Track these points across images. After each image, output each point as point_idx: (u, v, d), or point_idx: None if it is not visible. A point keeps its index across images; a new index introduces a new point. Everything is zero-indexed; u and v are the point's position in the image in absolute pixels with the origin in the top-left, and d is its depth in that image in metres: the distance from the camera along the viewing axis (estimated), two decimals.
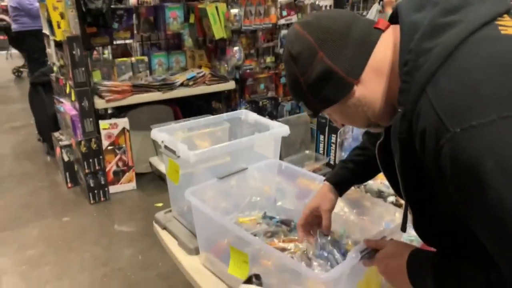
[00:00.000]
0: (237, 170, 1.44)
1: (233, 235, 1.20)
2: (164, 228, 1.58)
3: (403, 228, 1.00)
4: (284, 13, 4.05)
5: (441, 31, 0.69)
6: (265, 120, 1.65)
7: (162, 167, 3.37)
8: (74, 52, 2.94)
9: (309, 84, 0.84)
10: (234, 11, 3.60)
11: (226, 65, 3.75)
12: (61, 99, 3.60)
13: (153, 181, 3.62)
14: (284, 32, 4.16)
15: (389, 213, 1.26)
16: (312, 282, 0.99)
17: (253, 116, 1.70)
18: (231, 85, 3.72)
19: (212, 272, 1.33)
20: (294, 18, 4.11)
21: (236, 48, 3.71)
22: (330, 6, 4.14)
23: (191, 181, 1.40)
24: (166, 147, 1.44)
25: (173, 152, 1.39)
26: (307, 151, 1.96)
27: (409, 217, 0.91)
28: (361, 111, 0.85)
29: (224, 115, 1.71)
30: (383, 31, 0.82)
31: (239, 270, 1.16)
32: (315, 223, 1.24)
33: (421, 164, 0.72)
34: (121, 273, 2.50)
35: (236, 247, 1.16)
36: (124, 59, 3.61)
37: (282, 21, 4.03)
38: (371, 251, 0.99)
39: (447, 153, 0.64)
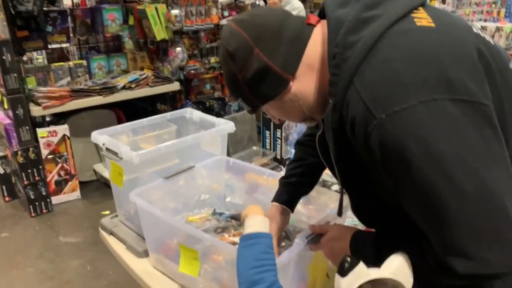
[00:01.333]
0: (183, 168, 1.43)
1: (182, 234, 1.19)
2: (111, 233, 1.53)
3: (339, 213, 1.06)
4: (226, 13, 4.06)
5: (363, 25, 0.73)
6: (210, 118, 1.65)
7: (107, 174, 3.26)
8: (4, 57, 2.77)
9: (247, 80, 0.85)
10: (175, 12, 3.56)
11: (169, 66, 3.70)
12: None
13: (98, 189, 3.49)
14: None
15: (333, 200, 1.31)
16: None
17: (198, 114, 1.69)
18: (175, 86, 3.67)
19: (163, 273, 1.31)
20: None
21: (178, 49, 3.67)
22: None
23: (136, 184, 1.36)
24: (108, 149, 1.40)
25: (116, 154, 1.35)
26: (254, 147, 1.99)
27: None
28: (297, 106, 0.87)
29: (168, 114, 1.69)
30: (314, 26, 0.86)
31: (189, 267, 1.15)
32: None
33: (354, 151, 0.77)
34: (70, 285, 2.39)
35: (185, 245, 1.15)
36: (61, 63, 3.46)
37: (224, 21, 4.04)
38: (316, 236, 1.03)
39: (375, 138, 0.68)
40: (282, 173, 1.35)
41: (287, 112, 0.90)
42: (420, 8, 0.76)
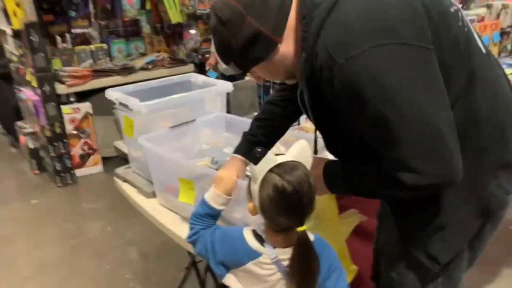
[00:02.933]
0: (186, 120, 1.61)
1: (183, 170, 1.38)
2: (125, 180, 1.73)
3: (315, 152, 1.22)
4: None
5: None
6: (212, 80, 1.84)
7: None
8: (32, 38, 3.02)
9: (240, 45, 0.93)
10: None
11: (184, 49, 3.89)
12: (22, 88, 3.66)
13: (119, 164, 3.67)
14: None
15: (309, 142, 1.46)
16: None
17: (201, 78, 1.88)
18: (189, 68, 3.86)
19: (168, 209, 1.50)
20: None
21: (193, 31, 3.86)
22: None
23: (145, 133, 1.56)
24: (120, 103, 1.59)
25: (126, 106, 1.55)
26: (255, 113, 2.14)
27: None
28: (284, 65, 0.98)
29: (175, 77, 1.88)
30: None
31: (187, 196, 1.34)
32: None
33: (324, 95, 0.93)
34: (91, 243, 2.64)
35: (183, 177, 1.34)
36: (84, 47, 3.69)
37: None
38: None
39: (337, 80, 0.84)
40: None
41: (274, 71, 1.01)
42: None
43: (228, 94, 1.83)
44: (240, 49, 0.94)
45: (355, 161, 1.03)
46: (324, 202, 1.20)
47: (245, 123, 1.70)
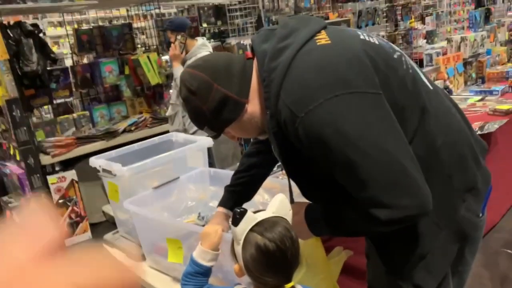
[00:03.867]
0: (170, 179, 1.64)
1: (170, 230, 1.39)
2: (113, 246, 1.73)
3: (291, 200, 1.26)
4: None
5: (280, 53, 0.97)
6: (193, 137, 1.89)
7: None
8: (14, 114, 3.08)
9: (212, 109, 1.03)
10: (165, 57, 3.89)
11: (165, 108, 3.98)
12: (6, 163, 3.66)
13: (108, 229, 3.63)
14: None
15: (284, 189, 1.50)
16: None
17: (182, 136, 1.93)
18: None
19: (158, 270, 1.50)
20: None
21: (171, 91, 3.97)
22: None
23: (131, 196, 1.58)
24: (104, 170, 1.62)
25: (110, 172, 1.58)
26: (238, 163, 2.19)
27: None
28: (254, 123, 1.07)
29: (156, 138, 1.93)
30: (252, 59, 1.09)
31: (176, 256, 1.35)
32: None
33: (291, 146, 1.00)
34: None
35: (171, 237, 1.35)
36: (66, 116, 3.76)
37: None
38: None
39: (301, 132, 0.92)
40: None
41: (246, 129, 1.10)
42: (322, 31, 1.00)
43: (209, 148, 1.88)
44: (212, 113, 1.03)
45: (332, 203, 1.06)
46: (311, 246, 1.22)
47: (228, 175, 1.73)
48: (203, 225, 1.50)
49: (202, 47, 3.07)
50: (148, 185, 1.61)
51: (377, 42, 1.02)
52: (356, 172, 0.88)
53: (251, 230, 0.92)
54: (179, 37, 2.99)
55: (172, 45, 3.04)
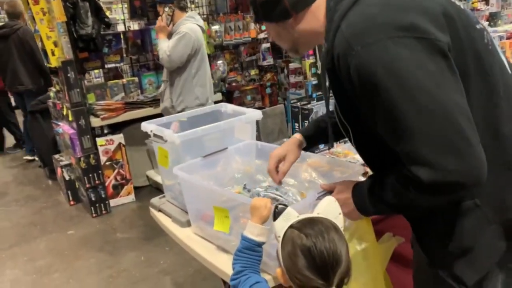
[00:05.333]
0: (218, 149, 1.64)
1: (217, 198, 1.40)
2: (159, 210, 1.77)
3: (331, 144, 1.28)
4: (263, 27, 4.33)
5: None
6: (242, 109, 1.87)
7: (159, 179, 3.56)
8: (69, 75, 3.18)
9: (262, 2, 1.05)
10: (215, 27, 3.87)
11: (213, 79, 3.99)
12: (59, 123, 3.82)
13: (151, 193, 3.80)
14: (265, 45, 4.44)
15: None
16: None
17: (231, 107, 1.91)
18: (217, 96, 3.95)
19: (203, 238, 1.52)
20: None
21: (219, 62, 3.97)
22: None
23: (180, 163, 1.59)
24: (155, 135, 1.64)
25: (161, 138, 1.60)
26: (284, 139, 2.17)
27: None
28: (290, 36, 1.09)
29: (207, 107, 1.93)
30: None
31: (222, 225, 1.35)
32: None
33: (343, 87, 0.94)
34: (126, 272, 2.67)
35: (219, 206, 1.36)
36: (116, 81, 3.86)
37: (262, 35, 4.30)
38: (327, 193, 1.19)
39: (353, 67, 0.86)
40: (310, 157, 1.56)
41: (280, 37, 1.12)
42: None
43: (257, 121, 1.86)
44: (262, 5, 1.06)
45: (382, 162, 1.01)
46: (362, 228, 1.19)
47: (274, 148, 1.73)
48: (250, 197, 1.50)
49: (189, 18, 3.02)
50: (197, 153, 1.62)
51: (462, 7, 0.95)
52: (401, 120, 0.82)
53: (291, 226, 0.87)
54: (166, 9, 2.93)
55: (159, 17, 3.00)
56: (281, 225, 0.88)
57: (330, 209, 0.92)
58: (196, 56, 3.02)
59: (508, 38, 3.59)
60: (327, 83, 1.01)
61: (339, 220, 0.92)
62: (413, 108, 0.81)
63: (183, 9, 3.08)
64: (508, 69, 0.99)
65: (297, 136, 1.44)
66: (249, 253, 1.05)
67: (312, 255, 0.84)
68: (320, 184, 1.23)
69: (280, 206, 0.89)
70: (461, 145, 0.80)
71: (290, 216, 0.88)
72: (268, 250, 1.11)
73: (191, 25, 2.99)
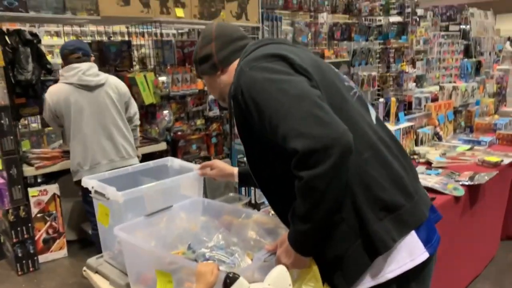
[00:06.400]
0: (163, 207, 1.60)
1: (159, 262, 1.34)
2: (96, 271, 1.66)
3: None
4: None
5: (249, 48, 1.29)
6: (189, 164, 1.86)
7: None
8: (2, 122, 3.00)
9: (199, 57, 1.37)
10: (162, 78, 3.89)
11: (157, 128, 3.95)
12: None
13: (85, 248, 3.57)
14: (211, 97, 4.51)
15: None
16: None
17: (178, 162, 1.90)
18: (162, 146, 3.90)
19: None
20: None
21: (166, 112, 3.95)
22: None
23: (121, 223, 1.53)
24: (96, 191, 1.58)
25: (103, 195, 1.53)
26: (231, 194, 2.17)
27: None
28: (218, 87, 1.37)
29: (151, 162, 1.89)
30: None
31: None
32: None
33: (242, 112, 1.17)
34: None
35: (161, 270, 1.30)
36: None
37: None
38: (272, 254, 1.20)
39: (243, 83, 1.14)
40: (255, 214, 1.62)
41: (211, 87, 1.42)
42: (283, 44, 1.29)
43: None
44: (199, 59, 1.37)
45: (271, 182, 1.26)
46: (310, 277, 1.17)
47: (222, 206, 1.72)
48: (194, 259, 1.46)
49: (62, 74, 2.78)
50: (140, 211, 1.57)
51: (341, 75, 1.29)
52: (277, 109, 1.05)
53: None
54: None
55: None
56: None
57: (281, 279, 0.92)
58: (66, 118, 2.76)
59: (433, 100, 3.94)
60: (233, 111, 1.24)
61: None
62: (284, 97, 1.05)
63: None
64: (373, 118, 1.24)
65: (234, 168, 1.71)
66: None
67: None
68: (265, 246, 1.24)
69: (231, 275, 0.87)
70: (323, 117, 1.01)
71: (242, 287, 0.87)
72: None
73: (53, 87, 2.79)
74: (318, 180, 1.00)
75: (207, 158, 4.51)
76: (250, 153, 1.29)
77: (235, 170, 1.71)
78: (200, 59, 1.36)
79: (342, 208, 1.10)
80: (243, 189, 2.21)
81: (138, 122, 3.17)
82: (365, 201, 1.10)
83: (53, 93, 2.73)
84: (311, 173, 0.99)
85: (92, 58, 2.85)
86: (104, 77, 2.84)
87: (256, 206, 2.14)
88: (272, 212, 2.01)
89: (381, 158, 1.15)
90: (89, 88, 2.76)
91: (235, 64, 1.31)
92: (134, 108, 3.09)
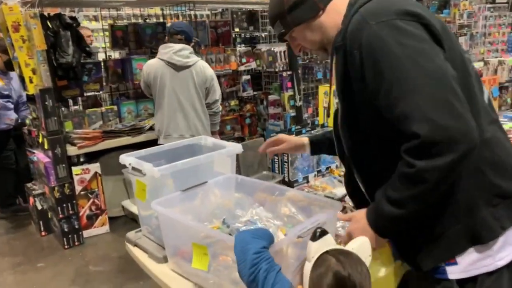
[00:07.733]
0: (198, 183, 1.63)
1: (196, 235, 1.38)
2: (135, 245, 1.73)
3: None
4: (244, 60, 4.41)
5: None
6: (222, 142, 1.88)
7: (135, 209, 3.49)
8: (46, 103, 3.14)
9: (291, 3, 1.13)
10: None
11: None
12: (34, 150, 3.73)
13: (126, 224, 3.72)
14: (245, 77, 4.51)
15: None
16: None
17: (211, 140, 1.92)
18: None
19: (180, 275, 1.49)
20: (253, 65, 4.47)
21: None
22: (285, 51, 4.51)
23: (158, 197, 1.58)
24: (133, 168, 1.63)
25: (140, 171, 1.58)
26: (264, 172, 2.18)
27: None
28: (319, 33, 1.15)
29: (186, 140, 1.93)
30: None
31: (200, 263, 1.33)
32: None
33: (347, 70, 1.04)
34: None
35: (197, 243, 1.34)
36: (95, 109, 3.82)
37: (242, 68, 4.38)
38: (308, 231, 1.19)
39: (366, 38, 0.97)
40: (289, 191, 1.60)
41: (310, 37, 1.17)
42: None
43: (237, 154, 1.87)
44: (289, 8, 1.13)
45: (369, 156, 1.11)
46: (382, 256, 1.16)
47: (254, 182, 1.73)
48: (229, 233, 1.49)
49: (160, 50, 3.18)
50: (176, 187, 1.61)
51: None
52: (404, 80, 0.91)
53: (327, 252, 0.89)
54: None
55: None
56: (318, 247, 0.90)
57: (363, 249, 0.95)
58: (153, 89, 3.19)
59: None
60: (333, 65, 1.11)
61: (367, 262, 0.96)
62: (415, 69, 0.91)
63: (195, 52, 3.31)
64: (486, 95, 1.09)
65: (303, 139, 1.59)
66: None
67: (343, 283, 0.87)
68: (337, 215, 1.26)
69: (320, 229, 0.90)
70: (457, 107, 0.89)
71: (329, 242, 0.90)
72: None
73: (150, 61, 3.25)
74: (431, 173, 0.91)
75: (241, 139, 4.55)
76: (345, 115, 1.15)
77: (305, 140, 1.59)
78: (293, 4, 1.12)
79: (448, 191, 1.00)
80: (275, 166, 2.22)
81: (217, 110, 3.34)
82: (478, 185, 1.01)
83: (148, 65, 3.16)
84: (425, 165, 0.90)
85: (192, 44, 3.19)
86: (193, 60, 3.12)
87: (289, 184, 2.15)
88: (306, 189, 2.01)
89: (499, 142, 1.05)
90: (176, 67, 3.07)
91: (336, 2, 1.12)
92: (215, 96, 3.27)
